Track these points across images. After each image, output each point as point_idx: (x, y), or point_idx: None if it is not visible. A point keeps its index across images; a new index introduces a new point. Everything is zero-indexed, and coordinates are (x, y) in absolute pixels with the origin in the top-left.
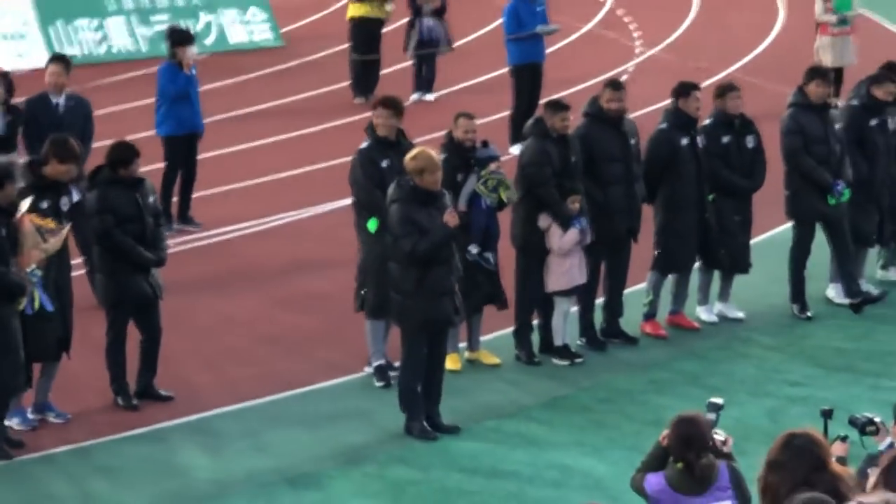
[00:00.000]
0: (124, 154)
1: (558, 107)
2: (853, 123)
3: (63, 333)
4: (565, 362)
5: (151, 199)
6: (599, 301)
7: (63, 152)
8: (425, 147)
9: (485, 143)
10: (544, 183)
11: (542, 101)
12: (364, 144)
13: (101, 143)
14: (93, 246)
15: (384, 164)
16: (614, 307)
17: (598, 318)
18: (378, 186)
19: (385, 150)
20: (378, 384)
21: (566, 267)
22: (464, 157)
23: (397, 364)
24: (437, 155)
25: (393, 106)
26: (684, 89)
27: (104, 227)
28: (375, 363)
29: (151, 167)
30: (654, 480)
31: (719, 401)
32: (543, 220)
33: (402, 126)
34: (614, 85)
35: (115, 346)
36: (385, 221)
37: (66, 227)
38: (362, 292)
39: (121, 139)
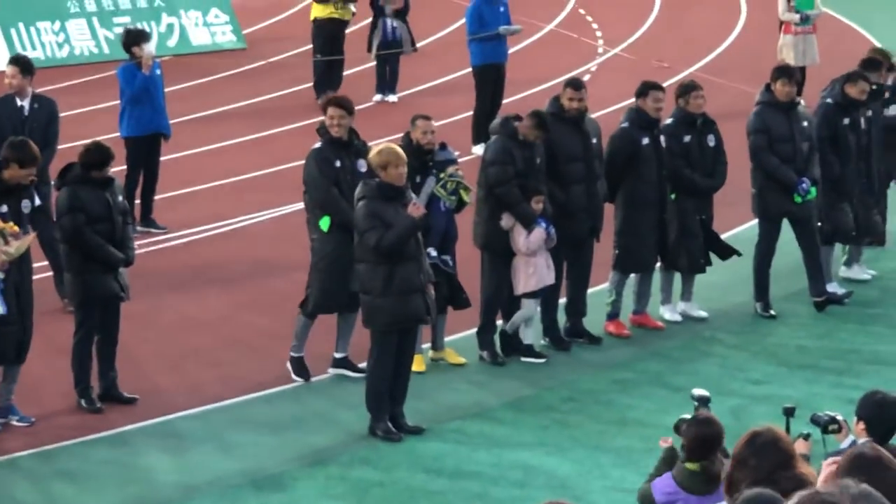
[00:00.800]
0: (99, 156)
1: (541, 121)
2: (826, 121)
3: (22, 336)
4: (536, 360)
5: (120, 198)
6: (562, 301)
7: (22, 155)
8: (390, 143)
9: (443, 145)
10: (506, 182)
11: (505, 101)
12: (317, 145)
13: (65, 146)
14: (61, 244)
15: (337, 163)
16: (577, 307)
17: (562, 317)
18: (333, 185)
19: (338, 150)
20: (296, 379)
21: (533, 268)
22: (422, 158)
23: (362, 365)
24: (400, 150)
25: (344, 106)
26: (644, 89)
27: (74, 225)
28: (296, 355)
29: (115, 169)
30: (662, 484)
31: (705, 393)
32: (506, 220)
33: (360, 125)
34: (574, 84)
35: (81, 345)
36: (338, 220)
37: (32, 235)
38: (308, 292)
39: (95, 141)
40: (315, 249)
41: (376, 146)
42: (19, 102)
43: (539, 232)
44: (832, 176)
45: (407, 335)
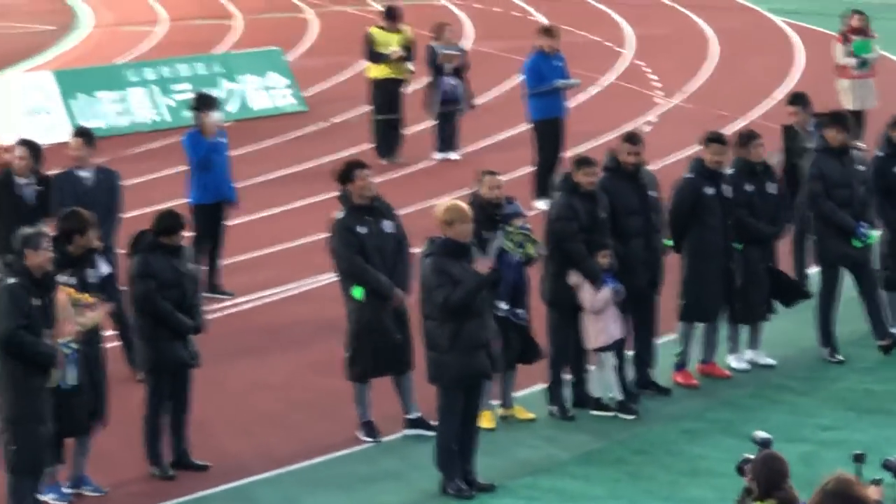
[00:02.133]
0: (171, 223)
1: (583, 162)
2: (878, 173)
3: (95, 407)
4: (631, 416)
5: (190, 265)
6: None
7: (77, 224)
8: (456, 200)
9: (509, 200)
10: (571, 238)
11: (566, 154)
12: (339, 214)
13: (129, 214)
14: (133, 312)
15: (361, 230)
16: (644, 358)
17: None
18: (358, 253)
19: (361, 215)
20: (366, 440)
21: (602, 324)
22: (489, 214)
23: (433, 422)
24: (467, 207)
25: (366, 167)
26: (704, 140)
27: (145, 291)
28: (363, 420)
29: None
30: None
31: (767, 435)
32: (574, 277)
33: (423, 183)
34: (632, 139)
35: (153, 413)
36: (369, 288)
37: (107, 306)
38: (351, 359)
39: (168, 208)
40: (353, 318)
41: (442, 203)
42: (82, 174)
43: (606, 292)
44: (891, 225)
45: (473, 391)
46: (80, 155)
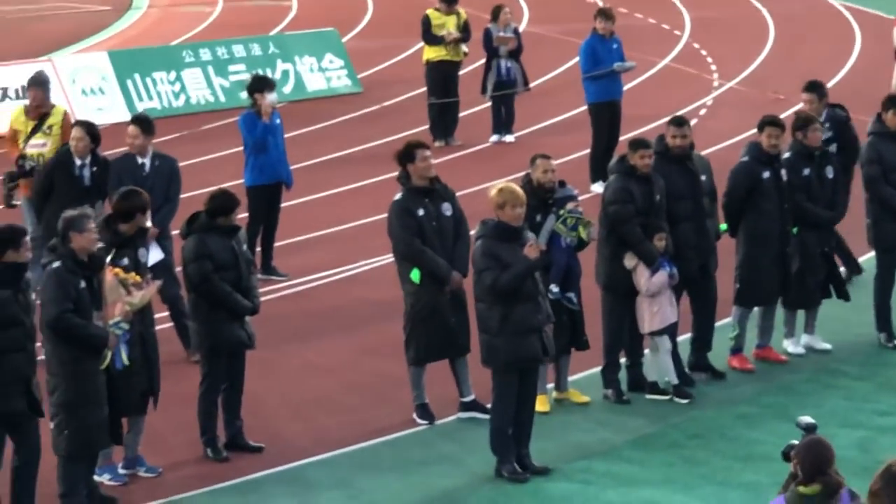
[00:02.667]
0: (226, 203)
1: (639, 145)
2: None
3: (148, 386)
4: (684, 401)
5: (245, 247)
6: (683, 337)
7: (134, 204)
8: (509, 182)
9: (562, 183)
10: (627, 221)
11: (622, 138)
12: (398, 196)
13: (184, 195)
14: (188, 293)
15: (420, 212)
16: (702, 342)
17: (684, 352)
18: (417, 236)
19: (420, 197)
20: (421, 422)
21: (657, 307)
22: (542, 197)
23: (488, 405)
24: (520, 190)
25: (428, 148)
26: (760, 124)
27: (202, 272)
28: (418, 402)
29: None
30: None
31: (812, 420)
32: (629, 260)
33: (478, 166)
34: (677, 122)
35: (208, 395)
36: (426, 270)
37: (155, 284)
38: (408, 343)
39: (221, 188)
40: (410, 299)
41: (495, 186)
42: (140, 160)
43: (662, 275)
44: None
45: (528, 375)
46: (137, 143)
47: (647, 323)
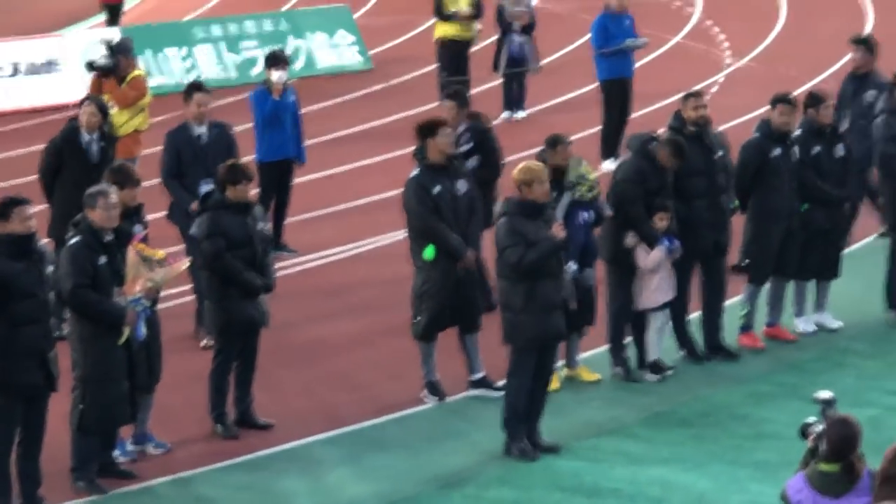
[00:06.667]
0: (231, 175)
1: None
2: None
3: (151, 365)
4: (656, 377)
5: (260, 225)
6: (695, 315)
7: (122, 179)
8: (531, 160)
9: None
10: (634, 200)
11: (634, 115)
12: (414, 172)
13: None
14: (202, 270)
15: (436, 190)
16: (713, 322)
17: (695, 330)
18: (433, 213)
19: (436, 174)
20: (430, 399)
21: (654, 284)
22: (558, 178)
23: (500, 383)
24: (543, 167)
25: (449, 125)
26: (773, 102)
27: (215, 250)
28: (428, 379)
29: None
30: (794, 484)
31: (830, 395)
32: (630, 239)
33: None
34: (696, 94)
35: (219, 371)
36: (442, 247)
37: (183, 262)
38: (416, 319)
39: (231, 161)
40: (421, 276)
41: (519, 164)
42: (196, 132)
43: (657, 252)
44: None
45: (546, 352)
46: (203, 111)
47: (644, 299)
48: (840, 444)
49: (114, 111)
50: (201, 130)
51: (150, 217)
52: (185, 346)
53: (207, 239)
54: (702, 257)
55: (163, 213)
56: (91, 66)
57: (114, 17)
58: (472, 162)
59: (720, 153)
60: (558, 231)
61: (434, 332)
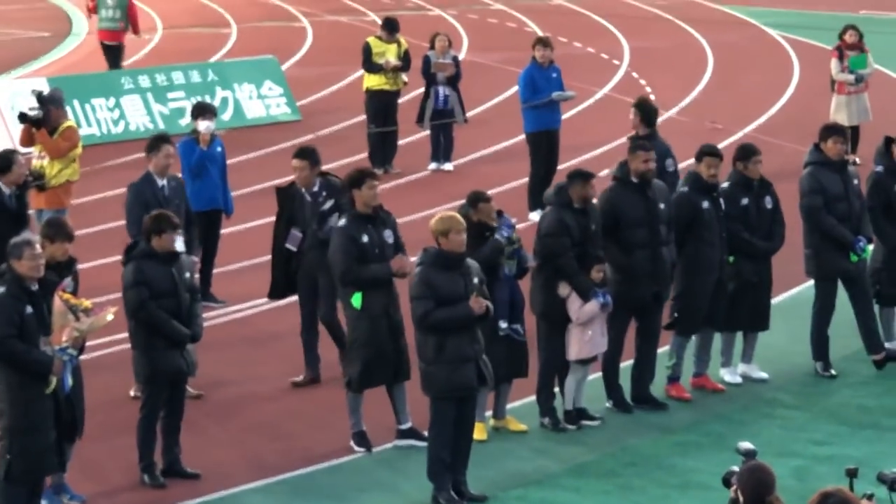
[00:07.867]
0: (156, 225)
1: (578, 175)
2: (878, 190)
3: (74, 415)
4: (573, 426)
5: (187, 274)
6: (625, 364)
7: (54, 233)
8: (450, 211)
9: (499, 213)
10: (562, 254)
11: (560, 167)
12: (342, 222)
13: (122, 223)
14: (127, 320)
15: (364, 239)
16: (644, 373)
17: (624, 379)
18: (359, 261)
19: (364, 224)
20: (358, 450)
21: (588, 335)
22: (481, 233)
23: (426, 433)
24: (460, 217)
25: (376, 177)
26: (699, 154)
27: (139, 299)
28: (355, 430)
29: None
30: None
31: (751, 446)
32: (563, 288)
33: (417, 195)
34: (645, 146)
35: (146, 421)
36: (369, 285)
37: (109, 311)
38: (348, 370)
39: (157, 211)
40: (351, 327)
41: (437, 215)
42: (160, 182)
43: (592, 304)
44: (890, 244)
45: (464, 403)
46: (170, 162)
47: (575, 350)
48: (755, 489)
49: (45, 162)
50: (163, 182)
51: (83, 266)
52: (113, 395)
53: (132, 288)
54: (641, 308)
55: (96, 263)
56: (23, 117)
57: (114, 59)
58: (335, 220)
59: (663, 205)
60: (476, 306)
61: (364, 385)
